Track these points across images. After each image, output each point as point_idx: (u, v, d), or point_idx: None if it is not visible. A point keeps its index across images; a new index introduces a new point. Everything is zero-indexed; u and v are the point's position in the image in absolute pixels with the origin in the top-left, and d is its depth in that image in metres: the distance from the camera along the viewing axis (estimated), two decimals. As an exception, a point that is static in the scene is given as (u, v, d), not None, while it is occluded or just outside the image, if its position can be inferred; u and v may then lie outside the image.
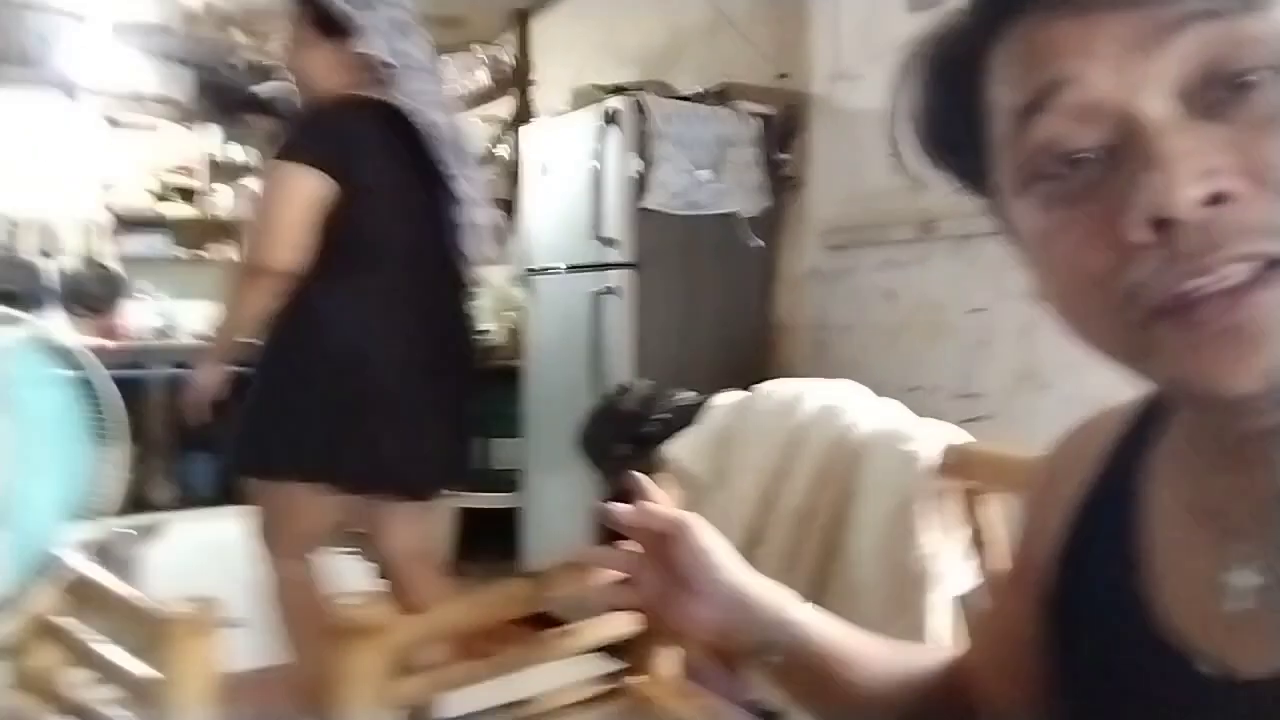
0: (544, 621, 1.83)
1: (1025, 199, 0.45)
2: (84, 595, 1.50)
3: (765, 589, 0.72)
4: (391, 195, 1.73)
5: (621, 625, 1.68)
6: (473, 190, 1.79)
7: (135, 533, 2.60)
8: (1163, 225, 0.39)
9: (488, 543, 3.44)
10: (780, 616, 0.70)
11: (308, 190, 1.65)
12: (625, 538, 1.65)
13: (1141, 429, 0.56)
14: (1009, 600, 0.64)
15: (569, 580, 1.58)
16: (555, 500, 2.91)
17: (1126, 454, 0.56)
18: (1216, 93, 0.40)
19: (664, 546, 0.74)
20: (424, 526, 2.04)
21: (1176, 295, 0.39)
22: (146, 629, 1.33)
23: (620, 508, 0.79)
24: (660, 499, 0.80)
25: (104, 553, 2.48)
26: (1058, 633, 0.58)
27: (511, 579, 1.56)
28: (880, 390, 2.53)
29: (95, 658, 1.54)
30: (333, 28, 1.73)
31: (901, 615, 1.12)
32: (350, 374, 1.74)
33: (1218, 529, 0.47)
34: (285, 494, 1.84)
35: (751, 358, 2.84)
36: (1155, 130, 0.39)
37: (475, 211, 1.80)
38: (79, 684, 1.72)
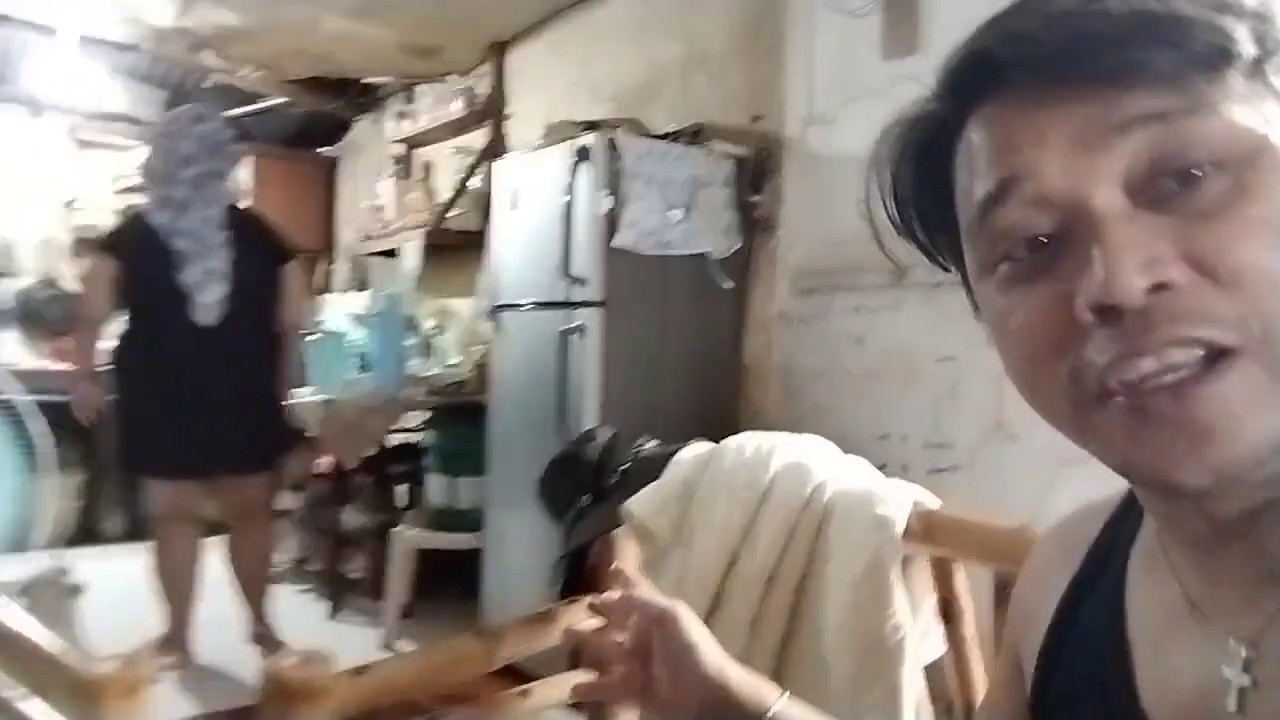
0: (510, 672, 1.75)
1: (988, 281, 0.47)
2: (3, 645, 1.41)
3: (745, 681, 0.73)
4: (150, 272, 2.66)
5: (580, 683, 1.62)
6: (196, 275, 2.66)
7: (69, 578, 2.49)
8: (1106, 310, 0.40)
9: (449, 584, 3.35)
10: (759, 710, 0.70)
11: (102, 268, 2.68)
12: (589, 588, 1.59)
13: (1123, 522, 0.56)
14: (1005, 699, 0.63)
15: (523, 638, 1.52)
16: (518, 541, 2.84)
17: (1109, 548, 0.56)
18: (1162, 185, 0.41)
19: (647, 633, 0.77)
20: (242, 496, 2.91)
21: (1123, 382, 0.41)
22: (68, 687, 1.25)
23: (607, 596, 0.83)
24: (646, 591, 0.81)
25: (37, 593, 2.37)
26: None
27: (463, 636, 1.50)
28: (850, 437, 2.49)
29: (16, 715, 1.45)
30: None
31: (873, 687, 1.07)
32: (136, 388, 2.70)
33: (1201, 622, 0.47)
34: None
35: (720, 401, 2.80)
36: (1102, 220, 0.41)
37: (198, 290, 2.66)
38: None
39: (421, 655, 1.45)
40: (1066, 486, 2.02)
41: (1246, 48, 0.41)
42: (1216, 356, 0.39)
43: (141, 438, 2.71)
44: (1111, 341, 0.41)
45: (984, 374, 2.21)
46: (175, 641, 2.85)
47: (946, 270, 0.55)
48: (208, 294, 2.66)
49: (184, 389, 2.67)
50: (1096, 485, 1.93)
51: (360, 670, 1.35)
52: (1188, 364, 0.39)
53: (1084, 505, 0.62)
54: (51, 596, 2.39)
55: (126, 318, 2.71)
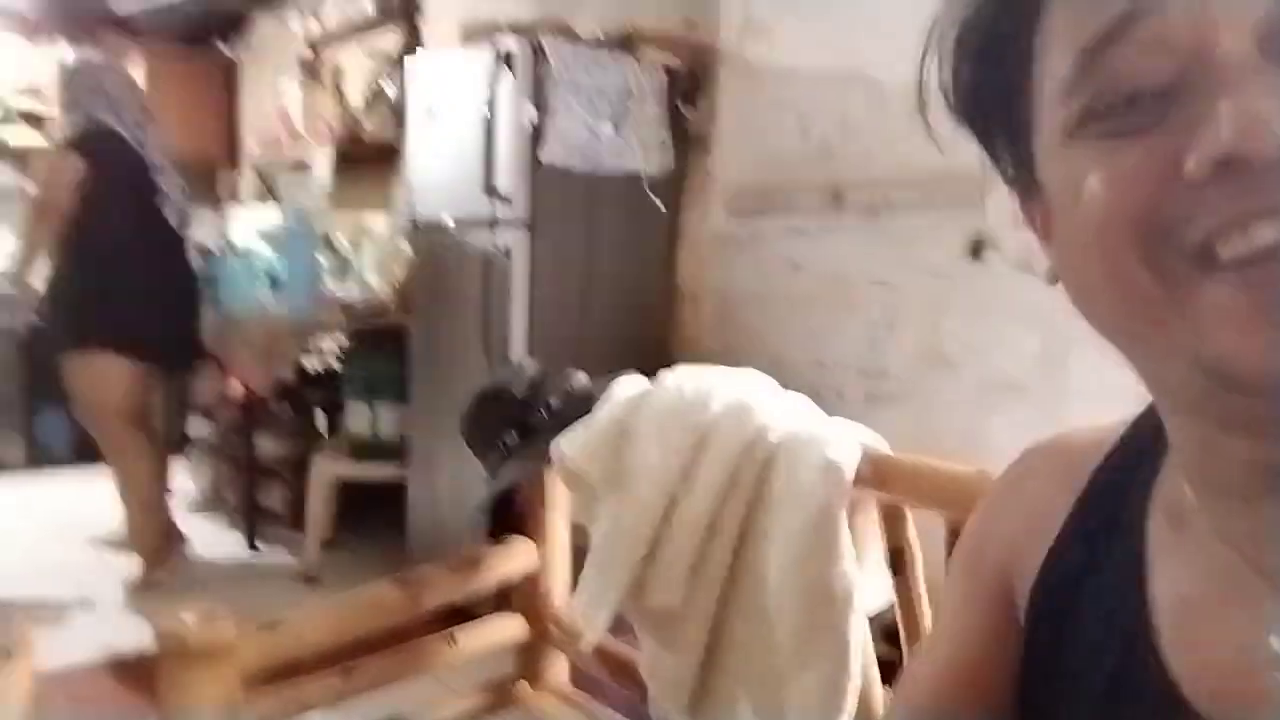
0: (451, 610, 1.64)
1: (1071, 144, 0.41)
2: None
3: None
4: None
5: (508, 630, 1.55)
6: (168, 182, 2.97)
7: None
8: (1227, 164, 0.35)
9: (374, 512, 3.24)
10: None
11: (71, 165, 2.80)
12: (513, 527, 1.49)
13: (1133, 469, 0.51)
14: (986, 648, 0.56)
15: (447, 583, 1.44)
16: (443, 470, 2.74)
17: (1115, 495, 0.51)
18: None
19: None
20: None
21: (1235, 257, 0.36)
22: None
23: None
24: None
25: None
26: (1044, 688, 0.52)
27: (383, 584, 1.41)
28: (785, 363, 2.44)
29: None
30: None
31: (820, 639, 1.01)
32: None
33: (1252, 584, 0.42)
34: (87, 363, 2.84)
35: (652, 326, 2.71)
36: (1232, 68, 0.37)
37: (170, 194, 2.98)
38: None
39: (337, 607, 1.36)
40: (1000, 415, 2.01)
41: None
42: None
43: (114, 317, 2.85)
44: (1227, 201, 0.36)
45: (921, 302, 2.17)
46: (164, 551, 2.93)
47: (996, 162, 0.49)
48: (175, 197, 2.98)
49: (160, 278, 2.96)
50: (1029, 414, 1.89)
51: (269, 625, 1.26)
52: None
53: (1066, 435, 0.57)
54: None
55: (93, 214, 2.80)
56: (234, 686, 1.17)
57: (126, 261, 2.86)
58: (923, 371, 2.18)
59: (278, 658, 1.25)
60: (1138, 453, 0.51)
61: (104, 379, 2.84)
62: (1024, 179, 0.47)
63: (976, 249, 2.06)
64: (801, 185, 2.39)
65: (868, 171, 2.24)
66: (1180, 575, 0.46)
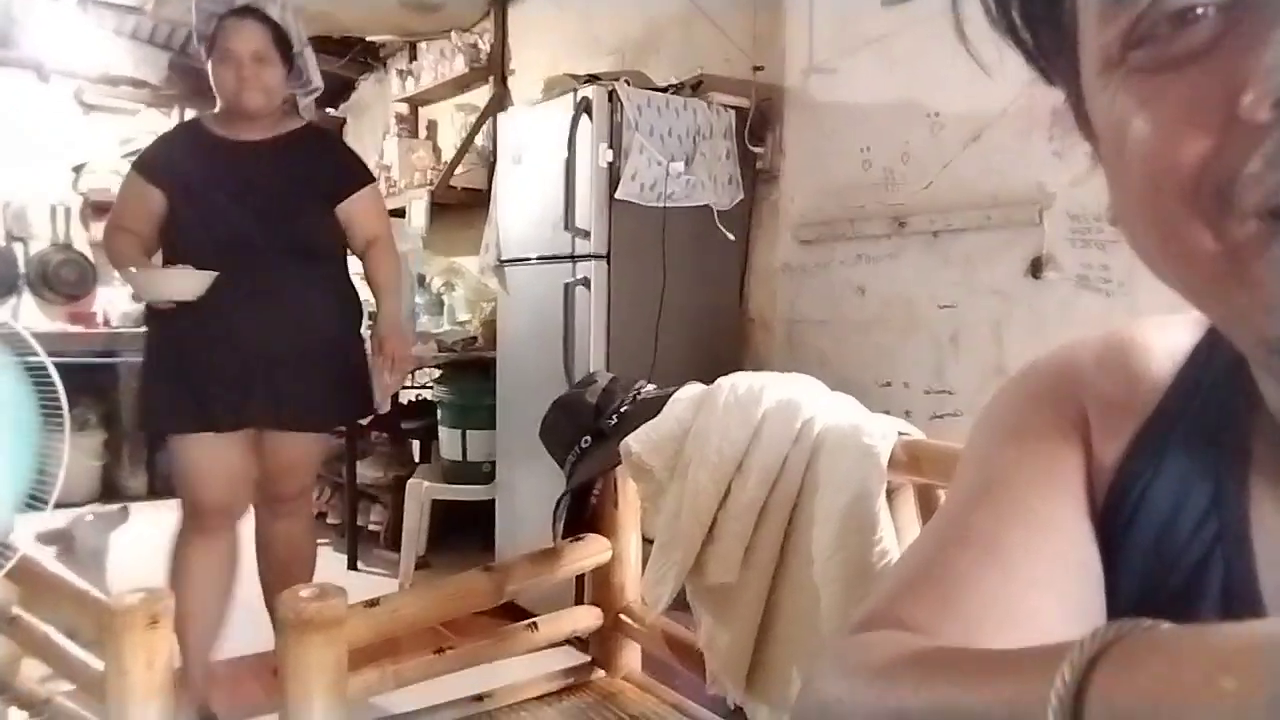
0: (512, 612, 1.83)
1: (1113, 74, 0.35)
2: (33, 585, 1.48)
3: None
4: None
5: (585, 619, 1.68)
6: None
7: (95, 518, 2.59)
8: None
9: (464, 535, 3.43)
10: None
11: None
12: (589, 529, 1.63)
13: (1227, 387, 0.43)
14: (1075, 545, 0.46)
15: (529, 573, 1.58)
16: (527, 491, 2.90)
17: (1204, 399, 0.44)
18: None
19: None
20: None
21: None
22: (94, 619, 1.32)
23: None
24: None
25: (67, 541, 2.46)
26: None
27: (472, 572, 1.55)
28: (852, 385, 2.53)
29: (48, 649, 1.52)
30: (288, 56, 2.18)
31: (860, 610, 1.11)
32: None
33: None
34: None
35: (724, 351, 2.84)
36: None
37: None
38: (35, 677, 1.71)
39: (432, 589, 1.51)
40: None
41: None
42: None
43: None
44: None
45: (984, 321, 2.24)
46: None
47: (1050, 82, 0.42)
48: None
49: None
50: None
51: (372, 603, 1.41)
52: None
53: (1138, 327, 0.50)
54: (91, 534, 2.49)
55: None
56: (343, 657, 1.33)
57: None
58: (987, 389, 2.24)
59: (379, 632, 1.40)
60: (1227, 369, 0.43)
61: None
62: (1080, 106, 0.40)
63: (1036, 268, 2.13)
64: (865, 213, 2.50)
65: (928, 198, 2.34)
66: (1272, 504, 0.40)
